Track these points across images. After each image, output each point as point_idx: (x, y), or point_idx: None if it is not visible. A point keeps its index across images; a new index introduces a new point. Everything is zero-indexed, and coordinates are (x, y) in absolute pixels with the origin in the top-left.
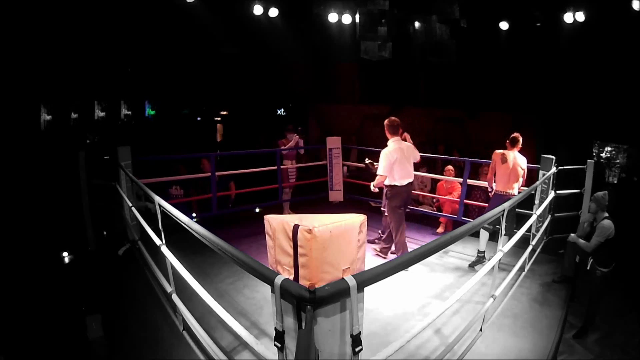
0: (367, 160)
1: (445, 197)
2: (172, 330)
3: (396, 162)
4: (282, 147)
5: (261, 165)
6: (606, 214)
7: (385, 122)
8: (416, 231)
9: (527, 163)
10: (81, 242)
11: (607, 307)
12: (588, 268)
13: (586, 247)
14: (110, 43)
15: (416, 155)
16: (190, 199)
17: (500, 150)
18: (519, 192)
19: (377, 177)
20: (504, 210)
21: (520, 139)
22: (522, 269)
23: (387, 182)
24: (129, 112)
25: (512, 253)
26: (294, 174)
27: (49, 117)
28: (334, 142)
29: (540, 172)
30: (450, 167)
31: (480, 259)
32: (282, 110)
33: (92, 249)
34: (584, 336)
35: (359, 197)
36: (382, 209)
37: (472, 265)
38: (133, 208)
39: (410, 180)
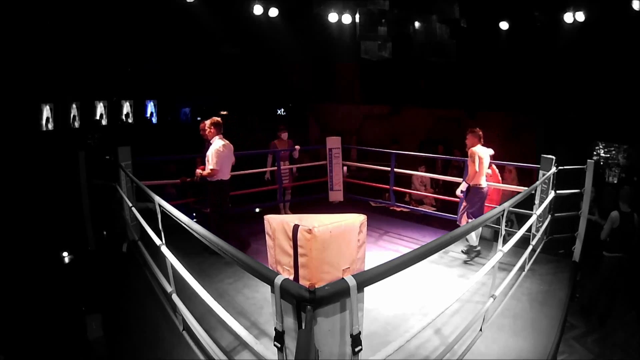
0: (197, 173)
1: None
2: (172, 330)
3: (225, 157)
4: (276, 148)
5: (260, 166)
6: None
7: (211, 121)
8: (416, 231)
9: (527, 163)
10: (81, 242)
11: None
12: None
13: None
14: (110, 43)
15: (232, 157)
16: (187, 200)
17: (476, 147)
18: None
19: (211, 171)
20: (504, 211)
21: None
22: (522, 269)
23: (212, 179)
24: (129, 112)
25: (512, 253)
26: (287, 175)
27: (49, 118)
28: (334, 142)
29: (540, 172)
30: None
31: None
32: (282, 110)
33: (92, 249)
34: (586, 315)
35: (359, 197)
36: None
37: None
38: (133, 208)
39: (228, 176)
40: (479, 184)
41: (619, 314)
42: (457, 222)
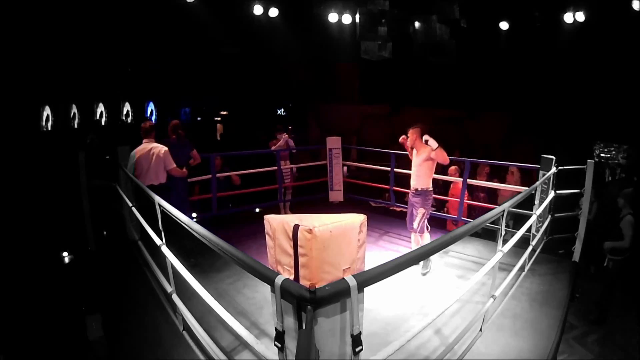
0: None
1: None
2: (172, 330)
3: (136, 161)
4: (272, 147)
5: (260, 166)
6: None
7: (141, 125)
8: None
9: (527, 163)
10: (81, 242)
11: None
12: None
13: (622, 245)
14: (110, 43)
15: (167, 163)
16: None
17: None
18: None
19: None
20: (504, 210)
21: None
22: (522, 269)
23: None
24: (129, 112)
25: (512, 253)
26: (288, 175)
27: (49, 118)
28: (334, 142)
29: (540, 172)
30: (452, 167)
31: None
32: (282, 110)
33: (92, 249)
34: (602, 323)
35: (359, 197)
36: None
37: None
38: (133, 208)
39: (153, 183)
40: (430, 187)
41: (619, 314)
42: (409, 229)
